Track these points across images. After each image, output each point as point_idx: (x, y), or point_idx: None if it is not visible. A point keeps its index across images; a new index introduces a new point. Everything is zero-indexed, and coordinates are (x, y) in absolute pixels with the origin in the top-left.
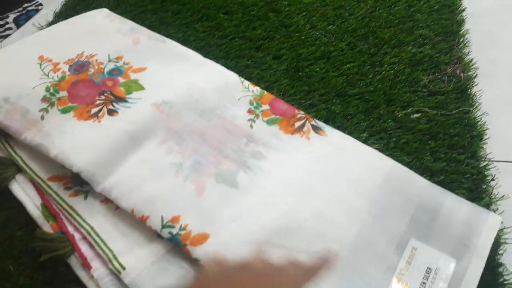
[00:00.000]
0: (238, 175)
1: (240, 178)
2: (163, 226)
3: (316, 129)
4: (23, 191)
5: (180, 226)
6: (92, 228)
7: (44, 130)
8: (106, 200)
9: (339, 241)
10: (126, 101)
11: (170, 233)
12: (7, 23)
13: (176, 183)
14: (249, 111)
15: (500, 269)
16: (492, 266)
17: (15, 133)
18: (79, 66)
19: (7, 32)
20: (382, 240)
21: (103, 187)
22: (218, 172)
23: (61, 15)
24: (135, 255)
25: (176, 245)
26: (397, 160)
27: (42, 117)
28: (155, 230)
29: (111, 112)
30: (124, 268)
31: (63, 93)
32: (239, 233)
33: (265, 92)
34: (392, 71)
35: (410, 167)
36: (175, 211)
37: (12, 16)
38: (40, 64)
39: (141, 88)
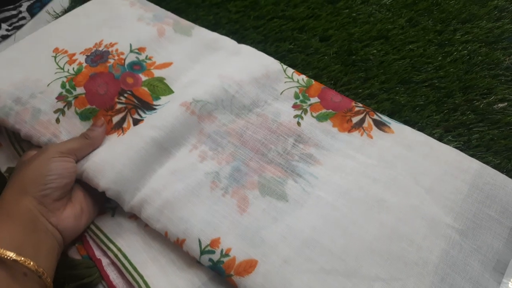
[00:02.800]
0: (286, 185)
1: (290, 188)
2: (202, 252)
3: (379, 124)
4: None
5: (221, 251)
6: (119, 249)
7: (61, 138)
8: (136, 216)
9: (420, 265)
10: (153, 109)
11: (210, 260)
12: (20, 12)
13: (214, 197)
14: (295, 106)
15: None
16: None
17: (26, 137)
18: (98, 56)
19: (20, 22)
20: (474, 262)
21: (131, 206)
22: (262, 181)
23: (78, 1)
24: (170, 283)
25: (219, 274)
26: (483, 162)
27: (58, 120)
28: (193, 257)
29: (136, 122)
30: None
31: (80, 90)
32: (293, 259)
33: (313, 82)
34: (465, 52)
35: (500, 170)
36: (214, 233)
37: (25, 4)
38: (55, 57)
39: (169, 91)
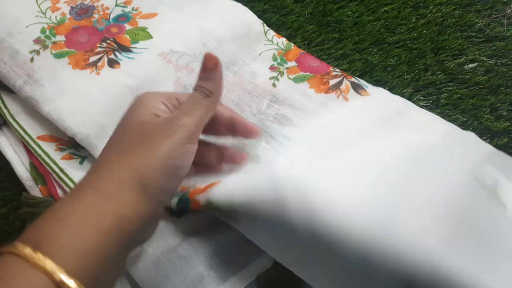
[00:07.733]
0: (259, 147)
1: (262, 150)
2: None
3: (356, 87)
4: (11, 147)
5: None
6: None
7: (35, 78)
8: None
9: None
10: (130, 51)
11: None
12: None
13: None
14: (272, 68)
15: None
16: None
17: (2, 78)
18: (82, 10)
19: None
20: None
21: (99, 150)
22: (234, 143)
23: None
24: None
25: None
26: (450, 119)
27: (32, 59)
28: None
29: (112, 63)
30: None
31: (60, 37)
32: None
33: (293, 46)
34: (439, 14)
35: (467, 127)
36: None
37: None
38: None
39: (148, 36)
